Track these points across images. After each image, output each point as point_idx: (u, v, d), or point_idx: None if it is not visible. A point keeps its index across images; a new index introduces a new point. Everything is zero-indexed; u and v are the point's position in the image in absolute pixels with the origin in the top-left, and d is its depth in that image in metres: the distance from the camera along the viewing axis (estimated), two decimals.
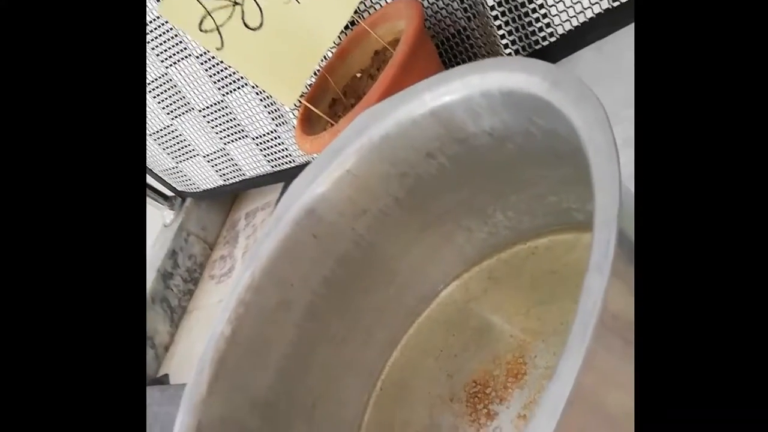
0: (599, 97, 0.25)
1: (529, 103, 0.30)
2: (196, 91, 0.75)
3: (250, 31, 0.57)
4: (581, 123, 0.25)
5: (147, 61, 0.73)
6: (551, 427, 0.17)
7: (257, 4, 0.57)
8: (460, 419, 0.36)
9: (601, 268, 0.20)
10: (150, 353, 0.84)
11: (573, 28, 0.56)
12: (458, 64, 0.63)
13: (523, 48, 0.58)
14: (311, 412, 0.39)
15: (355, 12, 0.61)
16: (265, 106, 0.72)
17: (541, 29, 0.57)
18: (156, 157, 0.87)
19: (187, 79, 0.74)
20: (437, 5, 0.60)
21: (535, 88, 0.29)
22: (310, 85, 0.64)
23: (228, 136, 0.79)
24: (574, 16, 0.55)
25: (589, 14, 0.55)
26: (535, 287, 0.38)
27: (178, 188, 0.92)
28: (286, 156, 0.78)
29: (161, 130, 0.82)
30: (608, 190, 0.21)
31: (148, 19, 0.69)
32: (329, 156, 0.39)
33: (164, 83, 0.75)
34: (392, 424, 0.39)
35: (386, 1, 0.61)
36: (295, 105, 0.66)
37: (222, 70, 0.71)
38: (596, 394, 0.20)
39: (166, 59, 0.73)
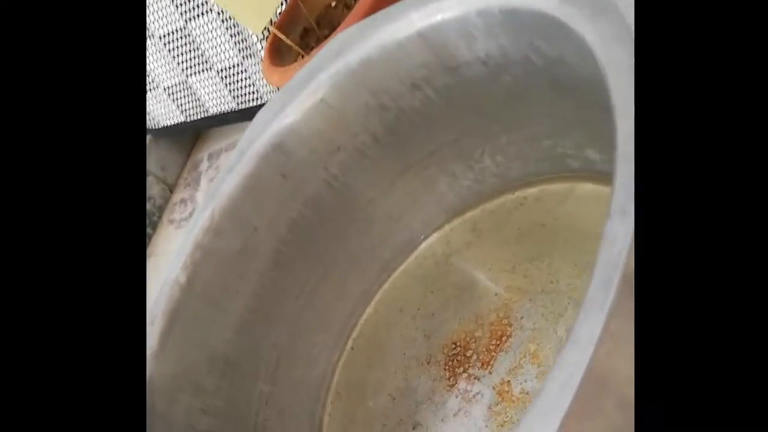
0: None
1: (533, 23, 0.26)
2: (155, 15, 0.69)
3: None
4: (597, 39, 0.21)
5: None
6: (566, 401, 0.14)
7: None
8: (438, 383, 0.34)
9: (625, 210, 0.17)
10: None
11: None
12: None
13: None
14: (275, 371, 0.36)
15: None
16: (231, 36, 0.67)
17: None
18: None
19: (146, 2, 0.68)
20: None
21: (541, 4, 0.25)
22: (280, 13, 0.59)
23: (190, 67, 0.73)
24: None
25: None
26: (523, 241, 0.35)
27: None
28: (253, 92, 0.73)
29: None
30: (632, 116, 0.18)
31: None
32: (301, 82, 0.35)
33: None
34: (363, 385, 0.37)
35: None
36: (263, 34, 0.61)
37: None
38: (610, 364, 0.17)
39: None
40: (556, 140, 0.34)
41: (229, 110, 0.77)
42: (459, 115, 0.35)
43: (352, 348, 0.39)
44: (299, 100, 0.35)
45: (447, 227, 0.39)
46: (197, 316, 0.34)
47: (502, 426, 0.30)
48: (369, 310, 0.40)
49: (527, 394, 0.30)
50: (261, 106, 0.73)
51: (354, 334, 0.39)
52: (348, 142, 0.37)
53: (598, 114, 0.30)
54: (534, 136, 0.35)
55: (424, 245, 0.40)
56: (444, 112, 0.35)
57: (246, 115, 0.77)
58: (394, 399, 0.35)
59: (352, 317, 0.40)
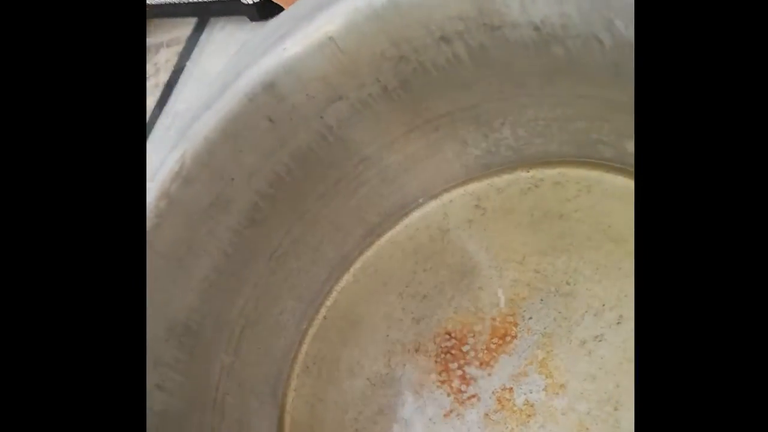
0: None
1: None
2: None
3: None
4: None
5: None
6: None
7: None
8: (427, 376, 0.31)
9: None
10: None
11: None
12: None
13: None
14: (239, 340, 0.33)
15: None
16: None
17: None
18: None
19: None
20: None
21: None
22: None
23: None
24: None
25: None
26: (535, 230, 0.33)
27: None
28: None
29: None
30: None
31: None
32: (308, 10, 0.30)
33: None
34: (337, 363, 0.34)
35: None
36: None
37: None
38: None
39: None
40: (593, 124, 0.31)
41: (176, 1, 0.69)
42: (487, 79, 0.31)
43: (325, 318, 0.36)
44: (303, 33, 0.30)
45: (446, 197, 0.36)
46: (157, 277, 0.30)
47: None
48: (347, 277, 0.36)
49: (532, 406, 0.28)
50: (215, 3, 0.65)
51: (328, 302, 0.36)
52: (353, 91, 0.32)
53: None
54: (568, 115, 0.31)
55: (417, 214, 0.36)
56: (471, 74, 0.31)
57: (194, 10, 0.69)
58: (374, 385, 0.32)
59: (327, 283, 0.36)
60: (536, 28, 0.27)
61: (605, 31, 0.25)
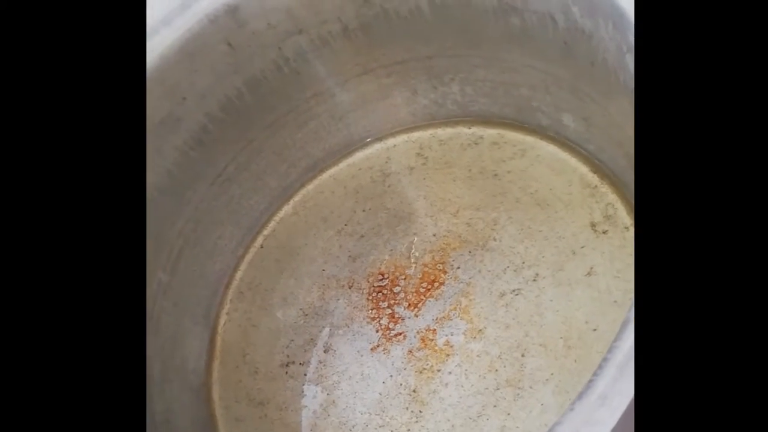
0: None
1: None
2: None
3: None
4: None
5: None
6: None
7: None
8: (358, 312, 0.33)
9: None
10: None
11: None
12: None
13: None
14: (176, 260, 0.33)
15: None
16: None
17: None
18: None
19: None
20: None
21: None
22: None
23: None
24: None
25: None
26: (471, 186, 0.34)
27: None
28: None
29: None
30: None
31: None
32: None
33: None
34: (271, 290, 0.35)
35: None
36: None
37: None
38: None
39: None
40: (536, 93, 0.33)
41: None
42: (444, 35, 0.32)
43: (262, 246, 0.36)
44: None
45: (390, 141, 0.37)
46: None
47: (420, 373, 0.30)
48: (287, 208, 0.37)
49: (451, 347, 0.30)
50: None
51: (266, 231, 0.37)
52: (314, 26, 0.32)
53: (600, 98, 0.28)
54: (515, 81, 0.33)
55: (361, 154, 0.37)
56: (429, 27, 0.32)
57: None
58: (307, 315, 0.34)
59: (266, 212, 0.37)
60: None
61: (561, 13, 0.27)
